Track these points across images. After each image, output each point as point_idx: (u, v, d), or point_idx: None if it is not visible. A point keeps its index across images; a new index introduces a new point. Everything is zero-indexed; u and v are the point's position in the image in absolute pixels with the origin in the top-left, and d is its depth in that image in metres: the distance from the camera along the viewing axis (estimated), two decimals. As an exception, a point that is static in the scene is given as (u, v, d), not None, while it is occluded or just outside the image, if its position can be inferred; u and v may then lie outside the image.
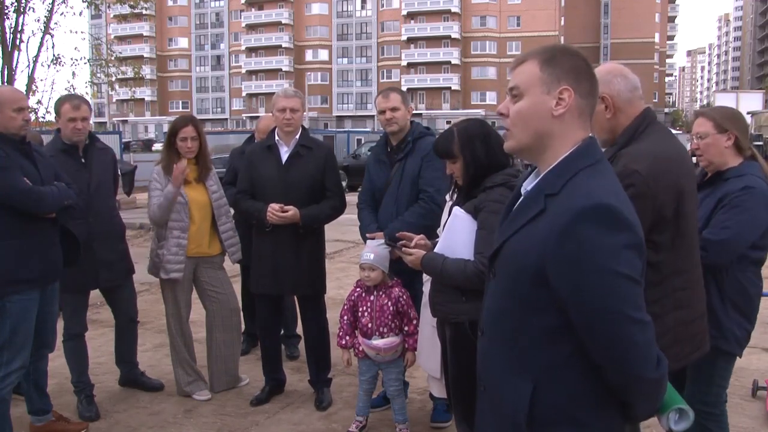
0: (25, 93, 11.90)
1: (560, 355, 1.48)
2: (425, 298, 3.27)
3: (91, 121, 4.02)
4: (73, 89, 13.10)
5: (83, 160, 3.97)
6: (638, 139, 2.25)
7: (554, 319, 1.46)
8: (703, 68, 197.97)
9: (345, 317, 3.65)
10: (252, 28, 74.73)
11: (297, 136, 4.08)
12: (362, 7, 72.30)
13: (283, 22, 73.43)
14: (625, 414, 1.53)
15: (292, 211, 3.91)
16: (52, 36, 12.50)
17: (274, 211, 3.90)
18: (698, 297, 2.37)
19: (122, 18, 60.00)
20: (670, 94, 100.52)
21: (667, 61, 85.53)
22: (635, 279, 1.41)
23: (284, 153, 4.07)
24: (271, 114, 4.34)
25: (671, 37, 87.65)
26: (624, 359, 1.42)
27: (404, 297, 3.56)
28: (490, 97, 67.06)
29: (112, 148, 4.43)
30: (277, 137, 4.10)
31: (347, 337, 3.64)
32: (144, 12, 18.11)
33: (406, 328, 3.57)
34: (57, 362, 4.21)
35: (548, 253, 1.43)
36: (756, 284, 2.79)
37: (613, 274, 1.39)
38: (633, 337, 1.41)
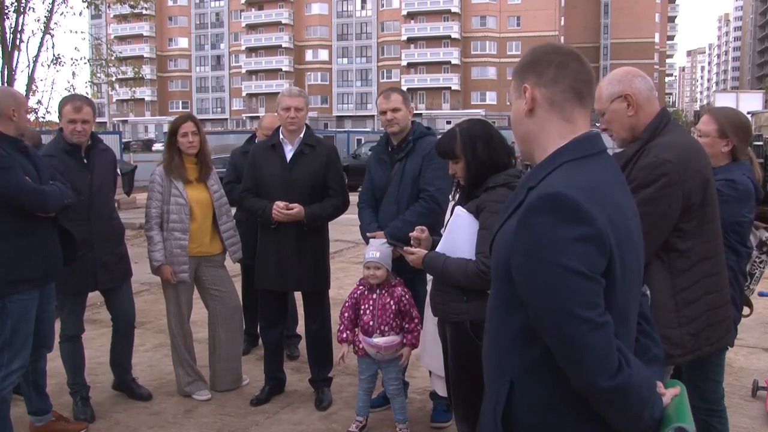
0: (25, 93, 11.91)
1: (533, 357, 1.42)
2: (429, 297, 3.28)
3: (93, 123, 4.01)
4: (73, 89, 13.08)
5: (85, 161, 3.96)
6: (661, 134, 2.35)
7: (525, 317, 1.41)
8: (703, 68, 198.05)
9: (346, 314, 3.64)
10: (252, 28, 74.74)
11: (301, 135, 4.10)
12: (362, 7, 72.30)
13: (283, 22, 73.44)
14: (609, 430, 1.40)
15: (297, 208, 3.93)
16: (52, 36, 12.49)
17: (280, 208, 3.92)
18: (725, 282, 2.45)
19: (122, 18, 60.16)
20: (670, 94, 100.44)
21: (667, 61, 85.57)
22: (587, 274, 1.32)
23: (288, 152, 4.08)
24: (275, 113, 4.36)
25: (671, 37, 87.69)
26: (574, 362, 1.34)
27: (407, 296, 3.56)
28: (490, 97, 67.09)
29: (112, 148, 4.41)
30: (281, 136, 4.12)
31: (347, 332, 3.63)
32: (144, 12, 18.08)
33: (407, 326, 3.57)
34: (57, 362, 4.20)
35: (510, 245, 1.41)
36: (738, 274, 2.88)
37: (559, 267, 1.31)
38: (582, 338, 1.31)
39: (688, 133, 2.54)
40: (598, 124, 2.49)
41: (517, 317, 1.43)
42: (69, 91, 13.06)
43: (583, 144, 1.48)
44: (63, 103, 3.93)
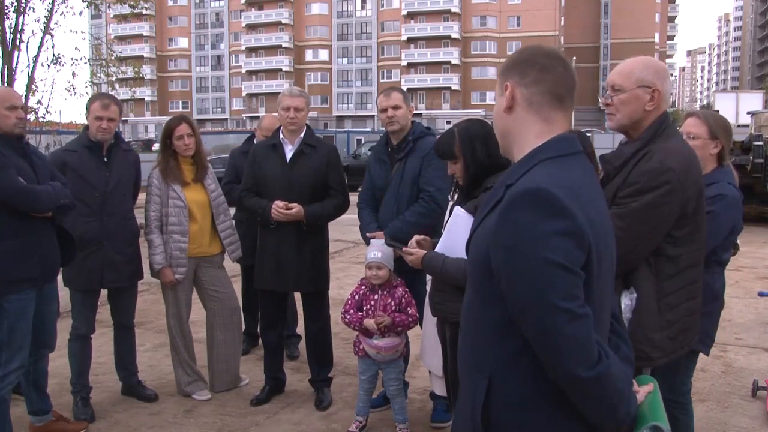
0: (25, 93, 11.87)
1: (511, 351, 1.44)
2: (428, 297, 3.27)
3: (118, 122, 4.02)
4: (73, 89, 13.08)
5: (105, 159, 3.98)
6: (662, 137, 2.33)
7: (504, 312, 1.42)
8: (703, 68, 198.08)
9: (351, 311, 3.60)
10: (252, 28, 74.73)
11: (301, 135, 4.10)
12: (362, 7, 72.30)
13: (283, 22, 73.44)
14: (586, 425, 1.43)
15: (296, 208, 3.93)
16: (52, 36, 12.44)
17: (279, 208, 3.92)
18: (700, 289, 2.46)
19: (122, 18, 60.11)
20: (671, 94, 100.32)
21: (667, 61, 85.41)
22: (567, 267, 1.35)
23: (288, 151, 4.08)
24: (274, 113, 4.35)
25: (671, 37, 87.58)
26: (553, 353, 1.36)
27: (406, 296, 3.56)
28: (490, 97, 66.89)
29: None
30: (281, 136, 4.12)
31: (352, 311, 3.57)
32: (144, 12, 18.04)
33: (398, 317, 3.52)
34: (58, 362, 4.21)
35: (491, 240, 1.43)
36: (721, 282, 2.90)
37: (540, 260, 1.34)
38: (561, 329, 1.33)
39: (684, 139, 2.53)
40: (601, 100, 2.44)
41: (496, 312, 1.45)
42: (69, 91, 13.06)
43: (560, 144, 1.50)
44: (91, 100, 4.00)
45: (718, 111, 23.29)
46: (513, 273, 1.38)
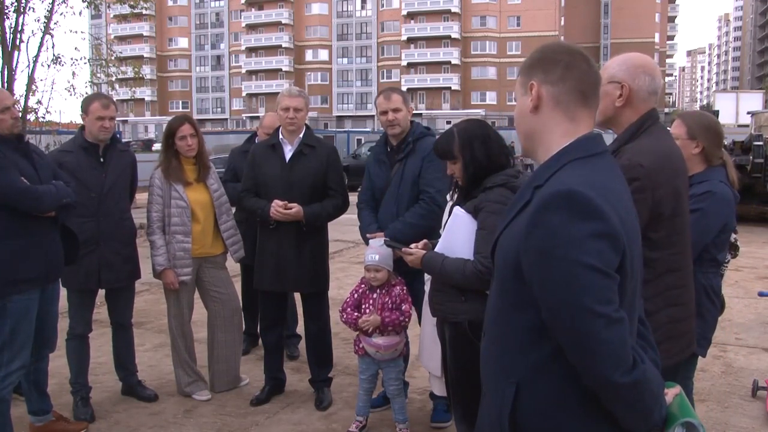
0: (25, 93, 11.88)
1: (542, 357, 1.41)
2: (427, 297, 3.27)
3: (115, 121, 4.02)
4: (73, 89, 13.07)
5: (102, 160, 3.98)
6: (641, 136, 2.28)
7: (534, 316, 1.40)
8: (703, 68, 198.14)
9: (348, 309, 3.60)
10: (252, 28, 74.73)
11: (301, 135, 4.09)
12: (362, 7, 72.30)
13: (283, 22, 73.44)
14: (619, 430, 1.41)
15: (295, 208, 3.93)
16: (52, 36, 12.43)
17: (278, 207, 3.92)
18: (690, 295, 2.38)
19: (122, 18, 60.09)
20: (670, 94, 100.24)
21: (667, 61, 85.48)
22: (602, 270, 1.32)
23: (288, 152, 4.08)
24: (275, 112, 4.36)
25: (671, 37, 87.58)
26: (589, 358, 1.33)
27: (401, 294, 3.55)
28: (490, 97, 67.06)
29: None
30: (281, 136, 4.12)
31: (349, 309, 3.58)
32: (144, 12, 18.04)
33: (388, 314, 3.52)
34: (58, 362, 4.21)
35: (521, 244, 1.40)
36: (717, 283, 2.86)
37: (575, 263, 1.31)
38: (597, 334, 1.31)
39: (670, 138, 2.45)
40: None
41: (526, 317, 1.43)
42: (69, 91, 13.06)
43: (587, 143, 1.48)
44: (89, 100, 3.98)
45: (718, 111, 23.28)
46: (546, 277, 1.35)
